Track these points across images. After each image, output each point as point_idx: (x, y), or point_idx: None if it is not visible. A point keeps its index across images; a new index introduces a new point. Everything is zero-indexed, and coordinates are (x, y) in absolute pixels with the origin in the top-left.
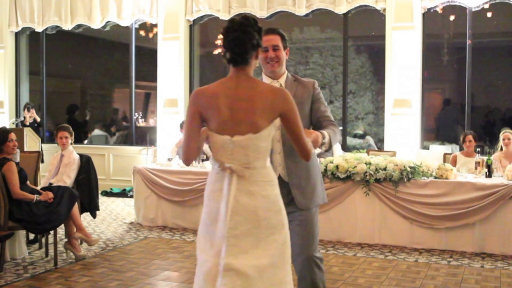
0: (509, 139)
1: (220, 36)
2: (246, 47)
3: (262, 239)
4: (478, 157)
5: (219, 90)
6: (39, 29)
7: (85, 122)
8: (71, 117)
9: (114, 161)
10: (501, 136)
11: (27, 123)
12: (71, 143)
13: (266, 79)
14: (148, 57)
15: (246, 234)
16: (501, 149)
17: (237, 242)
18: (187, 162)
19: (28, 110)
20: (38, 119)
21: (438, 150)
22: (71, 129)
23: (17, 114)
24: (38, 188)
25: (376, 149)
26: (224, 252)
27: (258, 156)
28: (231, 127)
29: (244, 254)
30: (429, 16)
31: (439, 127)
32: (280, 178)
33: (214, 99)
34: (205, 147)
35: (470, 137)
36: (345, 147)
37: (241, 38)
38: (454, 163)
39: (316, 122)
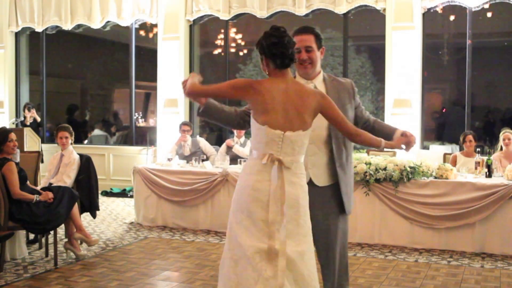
0: (509, 139)
1: (220, 37)
2: (292, 50)
3: (301, 226)
4: (478, 157)
5: (273, 88)
6: (39, 29)
7: (85, 122)
8: (71, 117)
9: (114, 161)
10: (501, 136)
11: (28, 123)
12: (71, 143)
13: (300, 80)
14: (148, 57)
15: (289, 220)
16: (501, 149)
17: (288, 227)
18: (190, 93)
19: (29, 110)
20: (39, 119)
21: (438, 150)
22: (71, 129)
23: (17, 114)
24: (38, 188)
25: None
26: (279, 235)
27: (301, 151)
28: (284, 123)
29: (289, 239)
30: (429, 16)
31: (439, 127)
32: (311, 182)
33: (270, 95)
34: (205, 147)
35: (470, 137)
36: None
37: (289, 41)
38: (454, 163)
39: (363, 125)
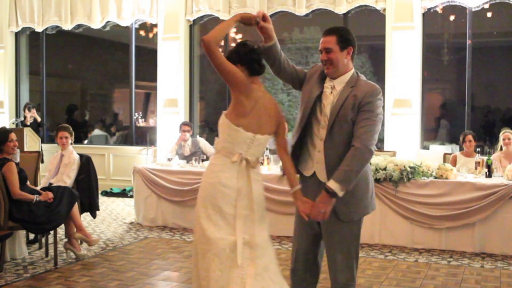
0: (509, 139)
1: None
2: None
3: (263, 217)
4: (478, 157)
5: (254, 95)
6: (39, 29)
7: (85, 122)
8: (70, 117)
9: (114, 161)
10: (501, 136)
11: (28, 123)
12: (71, 143)
13: (327, 80)
14: (148, 57)
15: (256, 212)
16: (501, 149)
17: (253, 219)
18: (209, 40)
19: (29, 110)
20: (39, 119)
21: (438, 150)
22: (71, 129)
23: (17, 114)
24: (38, 188)
25: (376, 149)
26: (244, 228)
27: (263, 152)
28: (255, 127)
29: (256, 229)
30: (429, 16)
31: (439, 127)
32: (315, 176)
33: (251, 101)
34: (205, 147)
35: (470, 137)
36: None
37: (258, 52)
38: (454, 163)
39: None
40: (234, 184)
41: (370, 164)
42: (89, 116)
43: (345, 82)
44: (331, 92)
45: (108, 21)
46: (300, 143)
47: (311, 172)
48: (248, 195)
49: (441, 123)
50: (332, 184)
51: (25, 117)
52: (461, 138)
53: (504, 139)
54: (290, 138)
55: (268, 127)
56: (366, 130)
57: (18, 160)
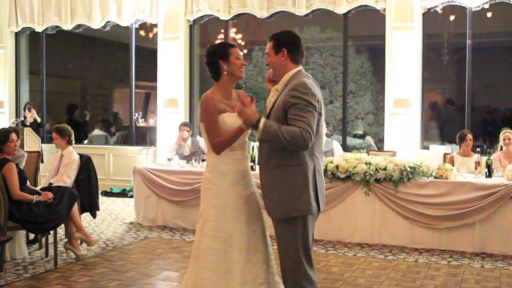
0: (509, 139)
1: (220, 37)
2: (207, 67)
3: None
4: (476, 157)
5: None
6: (39, 29)
7: (85, 122)
8: (70, 117)
9: (114, 161)
10: (501, 136)
11: (28, 123)
12: (71, 143)
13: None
14: (148, 57)
15: None
16: (501, 149)
17: None
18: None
19: (29, 110)
20: (39, 120)
21: (438, 150)
22: (64, 130)
23: (17, 114)
24: (38, 188)
25: (376, 149)
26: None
27: (206, 142)
28: None
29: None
30: (429, 16)
31: (439, 127)
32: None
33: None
34: (204, 147)
35: (470, 135)
36: (345, 147)
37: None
38: (451, 164)
39: None
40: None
41: (370, 164)
42: (89, 116)
43: (284, 82)
44: (274, 96)
45: (108, 21)
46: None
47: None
48: None
49: (441, 123)
50: (262, 122)
51: (25, 117)
52: (458, 137)
53: (504, 139)
54: None
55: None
56: (301, 118)
57: (24, 163)
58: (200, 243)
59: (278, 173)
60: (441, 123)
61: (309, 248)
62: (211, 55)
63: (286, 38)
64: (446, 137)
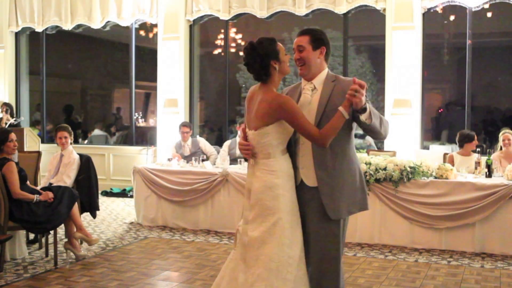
0: (509, 139)
1: (220, 37)
2: (253, 69)
3: (258, 216)
4: (476, 157)
5: (251, 97)
6: (39, 29)
7: (79, 123)
8: (68, 118)
9: (114, 161)
10: (501, 137)
11: (4, 125)
12: (71, 143)
13: (303, 82)
14: (148, 57)
15: (249, 208)
16: (501, 149)
17: (247, 214)
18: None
19: (7, 112)
20: (12, 121)
21: (438, 150)
22: (70, 128)
23: (17, 114)
24: (38, 188)
25: (376, 149)
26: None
27: (263, 149)
28: (248, 124)
29: (245, 224)
30: (429, 16)
31: (439, 127)
32: (302, 183)
33: (249, 100)
34: (205, 147)
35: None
36: None
37: (247, 63)
38: (451, 163)
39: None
40: (246, 184)
41: (370, 164)
42: (83, 117)
43: (323, 79)
44: (314, 92)
45: (108, 21)
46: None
47: (298, 181)
48: (249, 192)
49: (441, 123)
50: (368, 106)
51: (1, 119)
52: (465, 137)
53: (504, 140)
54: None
55: (252, 124)
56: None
57: (16, 160)
58: (279, 254)
59: (340, 171)
60: (441, 123)
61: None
62: (262, 58)
63: (325, 37)
64: (446, 137)
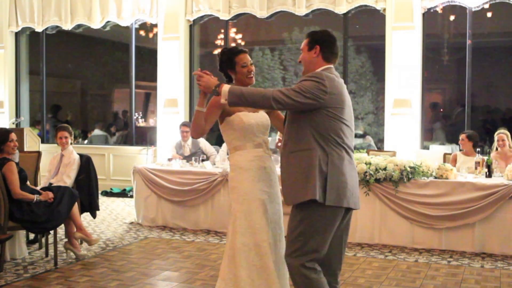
0: (503, 140)
1: (220, 37)
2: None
3: (231, 207)
4: (478, 157)
5: None
6: (39, 29)
7: (67, 122)
8: (54, 116)
9: (114, 161)
10: (496, 137)
11: None
12: (71, 143)
13: None
14: (148, 57)
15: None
16: (496, 149)
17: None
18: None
19: None
20: None
21: (438, 150)
22: (70, 128)
23: (17, 114)
24: (38, 188)
25: (376, 149)
26: None
27: (226, 140)
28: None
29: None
30: (429, 16)
31: (439, 127)
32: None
33: None
34: (205, 147)
35: (464, 136)
36: None
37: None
38: (454, 162)
39: None
40: None
41: (370, 164)
42: (71, 116)
43: None
44: None
45: (108, 21)
46: None
47: None
48: None
49: (441, 123)
50: (226, 87)
51: None
52: (474, 138)
53: (498, 140)
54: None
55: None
56: (287, 88)
57: (17, 160)
58: (233, 242)
59: (292, 158)
60: (441, 123)
61: (317, 249)
62: (219, 65)
63: (321, 36)
64: (446, 137)
